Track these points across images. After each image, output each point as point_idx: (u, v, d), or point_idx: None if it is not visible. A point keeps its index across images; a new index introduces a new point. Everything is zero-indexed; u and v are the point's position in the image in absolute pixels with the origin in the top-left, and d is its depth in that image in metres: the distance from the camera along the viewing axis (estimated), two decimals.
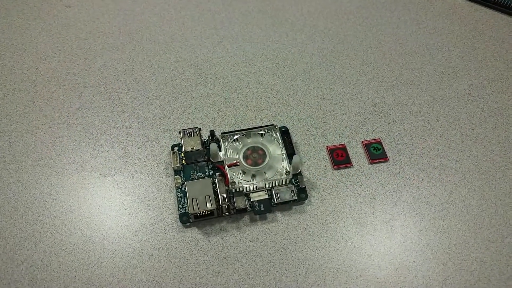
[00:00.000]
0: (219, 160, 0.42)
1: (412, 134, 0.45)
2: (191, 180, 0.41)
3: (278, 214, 0.40)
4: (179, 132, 0.42)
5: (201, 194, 0.38)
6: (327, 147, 0.44)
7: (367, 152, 0.44)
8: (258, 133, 0.43)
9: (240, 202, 0.39)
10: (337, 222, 0.39)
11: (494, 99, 0.48)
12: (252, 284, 0.36)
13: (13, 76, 0.50)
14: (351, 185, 0.42)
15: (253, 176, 0.40)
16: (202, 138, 0.42)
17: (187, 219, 0.39)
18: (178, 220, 0.39)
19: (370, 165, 0.43)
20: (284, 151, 0.41)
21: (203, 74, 0.50)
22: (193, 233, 0.39)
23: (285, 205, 0.40)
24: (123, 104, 0.47)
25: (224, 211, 0.39)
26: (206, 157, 0.42)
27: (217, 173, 0.41)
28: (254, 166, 0.40)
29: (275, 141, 0.42)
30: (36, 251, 0.38)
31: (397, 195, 0.41)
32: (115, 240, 0.38)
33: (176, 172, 0.42)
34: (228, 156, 0.41)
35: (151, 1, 0.58)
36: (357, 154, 0.44)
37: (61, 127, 0.45)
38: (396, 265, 0.37)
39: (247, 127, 0.44)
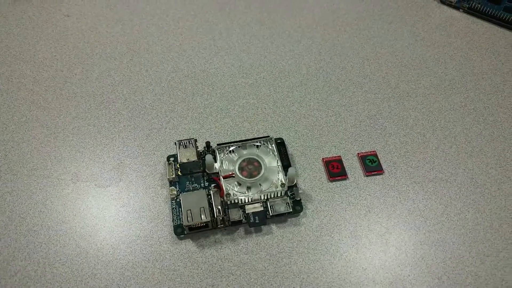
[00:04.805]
0: (214, 171, 0.41)
1: (407, 146, 0.45)
2: (186, 191, 0.41)
3: (273, 227, 0.40)
4: (175, 143, 0.42)
5: (196, 206, 0.38)
6: (322, 159, 0.44)
7: (362, 164, 0.44)
8: (254, 145, 0.43)
9: (235, 214, 0.39)
10: (332, 235, 0.39)
11: (490, 112, 0.48)
12: None
13: (10, 85, 0.50)
14: (346, 197, 0.42)
15: (248, 188, 0.40)
16: (198, 149, 0.42)
17: (182, 231, 0.39)
18: (173, 231, 0.39)
19: (365, 177, 0.43)
20: (279, 163, 0.41)
21: (200, 85, 0.50)
22: (187, 245, 0.39)
23: (280, 218, 0.40)
24: (120, 114, 0.47)
25: (219, 223, 0.39)
26: (201, 169, 0.42)
27: (212, 185, 0.41)
28: (250, 178, 0.40)
29: (271, 153, 0.42)
30: (30, 262, 0.37)
31: (392, 208, 0.41)
32: (109, 251, 0.38)
33: (172, 183, 0.41)
34: (224, 167, 0.41)
35: (149, 12, 0.59)
36: (352, 166, 0.44)
37: (57, 136, 0.45)
38: (391, 279, 0.37)
39: (243, 138, 0.44)
